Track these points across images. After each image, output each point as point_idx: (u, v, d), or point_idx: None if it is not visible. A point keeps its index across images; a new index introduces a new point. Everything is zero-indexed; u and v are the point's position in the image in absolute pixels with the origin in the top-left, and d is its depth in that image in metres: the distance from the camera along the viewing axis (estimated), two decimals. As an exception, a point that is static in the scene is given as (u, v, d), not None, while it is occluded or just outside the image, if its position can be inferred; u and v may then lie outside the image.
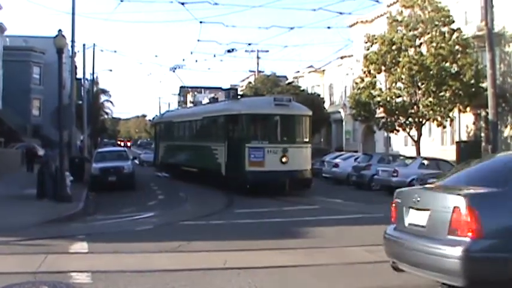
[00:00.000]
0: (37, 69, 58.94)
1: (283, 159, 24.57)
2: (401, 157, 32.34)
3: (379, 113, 36.56)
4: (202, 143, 29.68)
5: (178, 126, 36.25)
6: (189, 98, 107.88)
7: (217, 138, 27.59)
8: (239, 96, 31.40)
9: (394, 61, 33.33)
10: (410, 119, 34.58)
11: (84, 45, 44.90)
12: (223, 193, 24.81)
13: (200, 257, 11.13)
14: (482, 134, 35.15)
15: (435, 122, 34.05)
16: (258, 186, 24.28)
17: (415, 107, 33.83)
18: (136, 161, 54.34)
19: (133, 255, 11.31)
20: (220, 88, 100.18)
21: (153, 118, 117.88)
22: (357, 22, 49.71)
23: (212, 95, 79.87)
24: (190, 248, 12.06)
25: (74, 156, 31.39)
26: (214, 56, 79.48)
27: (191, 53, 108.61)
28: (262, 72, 63.25)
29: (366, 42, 35.36)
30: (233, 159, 25.51)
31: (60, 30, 21.68)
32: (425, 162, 28.12)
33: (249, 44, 49.92)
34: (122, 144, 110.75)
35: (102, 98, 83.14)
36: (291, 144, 25.26)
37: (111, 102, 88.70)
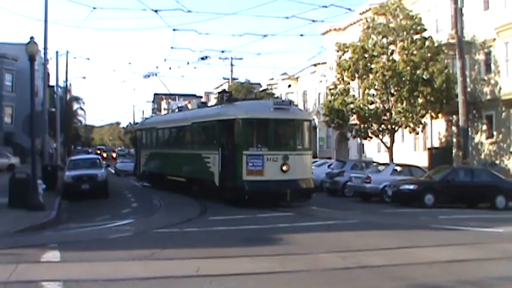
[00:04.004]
0: (9, 76, 58.31)
1: (284, 168, 22.77)
2: (374, 163, 32.68)
3: (353, 120, 36.83)
4: (192, 151, 27.92)
5: (163, 132, 34.32)
6: (163, 105, 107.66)
7: (210, 145, 25.66)
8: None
9: (366, 68, 33.63)
10: (383, 126, 34.89)
11: (57, 52, 44.92)
12: (197, 200, 24.67)
13: (173, 264, 11.10)
14: (454, 140, 35.61)
15: (408, 128, 34.41)
16: (256, 197, 22.61)
17: (387, 113, 34.17)
18: (112, 170, 53.68)
19: (106, 263, 11.22)
20: (194, 95, 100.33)
21: (127, 126, 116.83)
22: (330, 30, 50.07)
23: (186, 102, 79.74)
24: (164, 255, 12.01)
25: (46, 164, 31.10)
26: (188, 63, 78.82)
27: (165, 60, 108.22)
28: (236, 79, 63.50)
29: (338, 51, 35.61)
30: (228, 168, 23.58)
31: (32, 37, 21.50)
32: (398, 168, 28.48)
33: (223, 52, 50.22)
34: (105, 155, 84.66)
35: (76, 105, 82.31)
36: (292, 151, 23.43)
37: (83, 110, 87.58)
